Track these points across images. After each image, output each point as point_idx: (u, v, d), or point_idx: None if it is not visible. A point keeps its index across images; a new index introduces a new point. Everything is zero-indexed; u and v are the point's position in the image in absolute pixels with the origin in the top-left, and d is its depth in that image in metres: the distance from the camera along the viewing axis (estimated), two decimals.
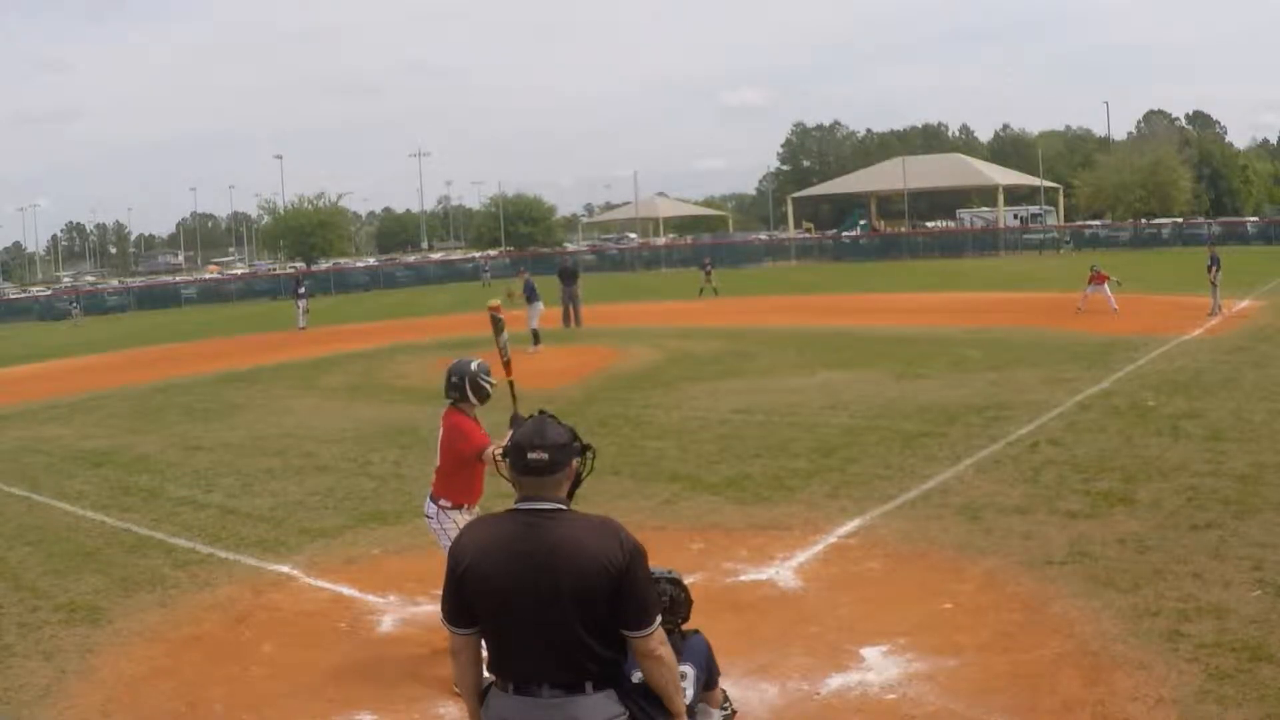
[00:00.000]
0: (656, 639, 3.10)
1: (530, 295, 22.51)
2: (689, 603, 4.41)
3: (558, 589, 2.98)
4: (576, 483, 3.24)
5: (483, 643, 3.21)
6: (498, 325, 6.13)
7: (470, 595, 3.09)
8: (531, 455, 3.09)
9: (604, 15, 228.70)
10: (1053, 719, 5.05)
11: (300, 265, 70.95)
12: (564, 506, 3.12)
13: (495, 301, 6.13)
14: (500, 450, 3.24)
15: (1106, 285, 24.26)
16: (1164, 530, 7.70)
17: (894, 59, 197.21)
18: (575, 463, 3.18)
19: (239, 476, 11.43)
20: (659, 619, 3.12)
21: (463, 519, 5.91)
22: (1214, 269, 22.66)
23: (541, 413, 3.25)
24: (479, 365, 6.02)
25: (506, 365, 6.15)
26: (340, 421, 14.62)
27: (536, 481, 3.10)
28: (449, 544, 5.89)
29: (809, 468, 10.27)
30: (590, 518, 3.14)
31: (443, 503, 5.97)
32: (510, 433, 5.77)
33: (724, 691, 4.56)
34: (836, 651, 5.95)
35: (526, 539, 3.04)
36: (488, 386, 5.99)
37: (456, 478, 5.95)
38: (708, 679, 4.35)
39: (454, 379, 5.98)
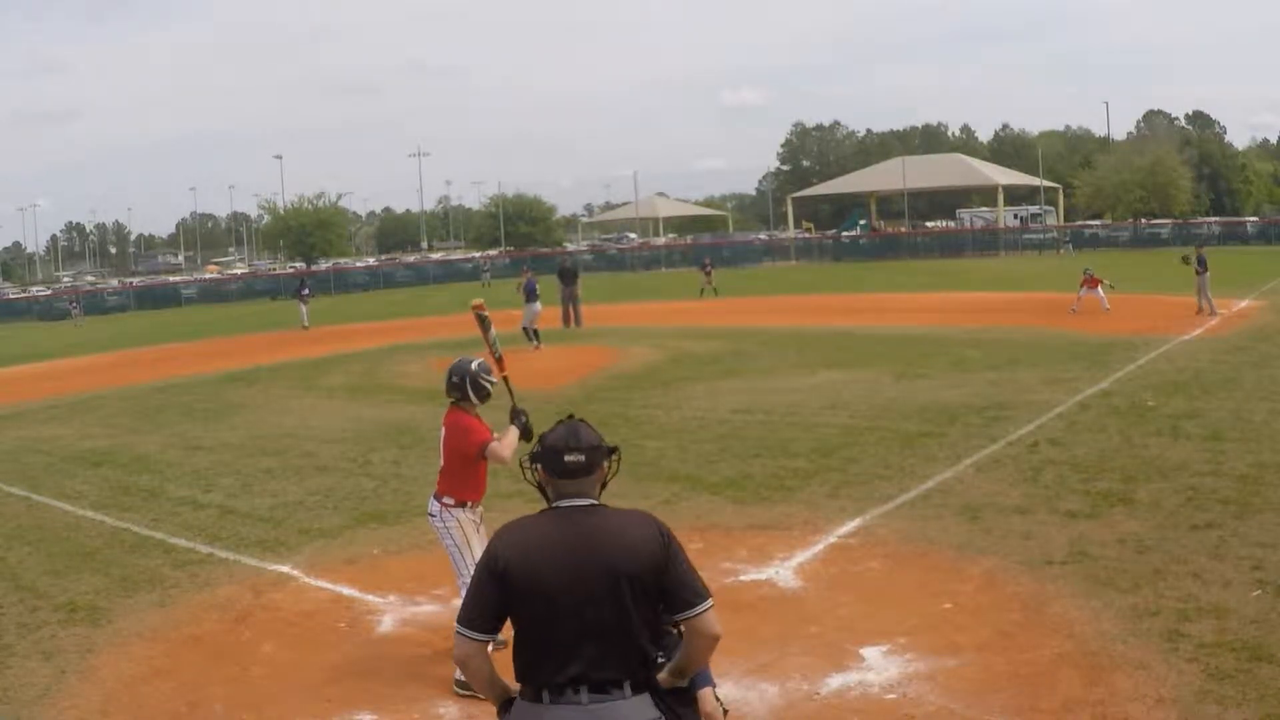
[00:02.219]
0: (713, 616, 3.12)
1: (530, 295, 22.39)
2: None
3: (603, 578, 3.01)
4: (603, 485, 3.31)
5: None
6: (484, 323, 6.14)
7: (512, 596, 3.08)
8: (569, 458, 3.15)
9: (604, 15, 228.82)
10: (1053, 719, 5.05)
11: (300, 265, 70.95)
12: (598, 502, 3.18)
13: (478, 300, 6.17)
14: (528, 455, 3.28)
15: (1100, 288, 24.40)
16: (1164, 530, 7.70)
17: (894, 59, 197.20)
18: (605, 464, 3.25)
19: (239, 476, 11.43)
20: (711, 597, 3.14)
21: (465, 516, 5.94)
22: (1200, 269, 22.68)
23: (571, 416, 3.31)
24: (479, 365, 6.04)
25: (499, 362, 6.17)
26: (340, 421, 14.62)
27: (573, 484, 3.16)
28: (451, 543, 5.91)
29: (809, 468, 10.27)
30: (625, 510, 3.21)
31: (446, 500, 5.97)
32: (510, 428, 5.81)
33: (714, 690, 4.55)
34: (836, 651, 5.95)
35: (568, 533, 3.08)
36: (488, 385, 6.01)
37: (460, 476, 5.96)
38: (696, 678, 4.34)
39: (454, 378, 6.00)
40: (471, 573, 5.80)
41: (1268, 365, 15.21)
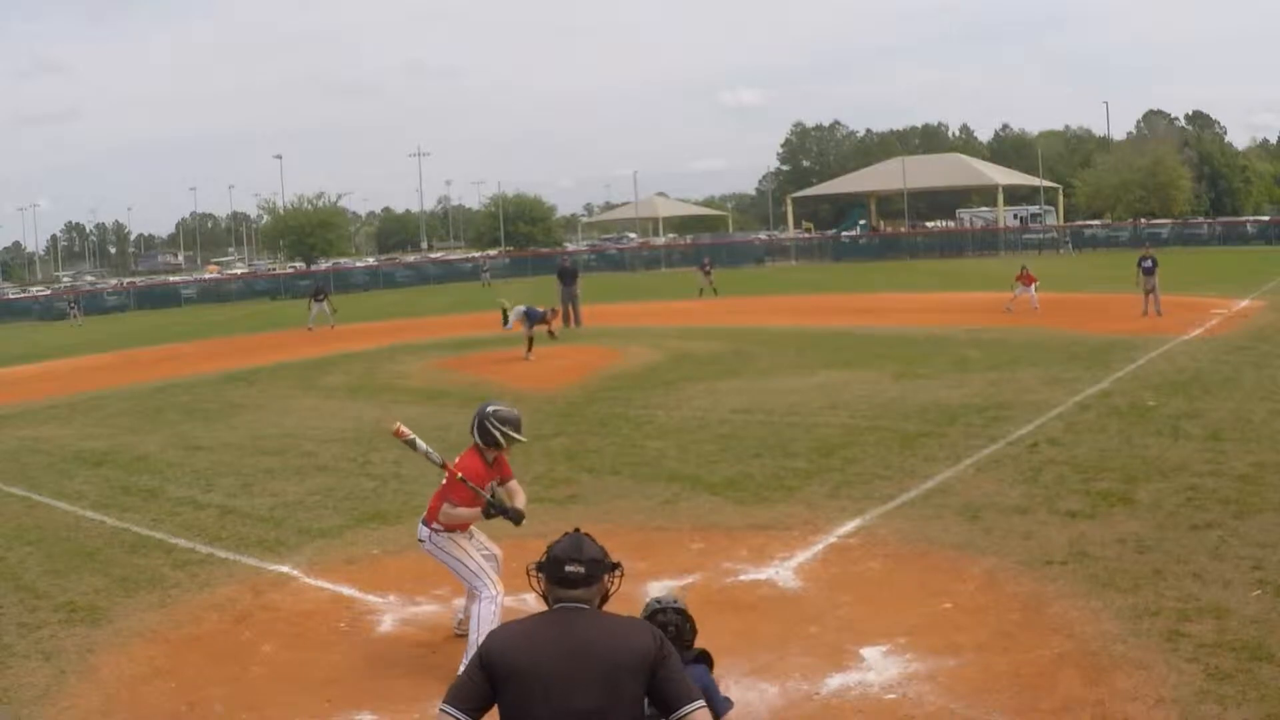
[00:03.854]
0: (706, 714, 3.21)
1: (529, 319, 20.66)
2: (694, 632, 4.49)
3: (593, 670, 3.10)
4: (604, 599, 3.39)
5: None
6: (411, 445, 6.00)
7: (498, 683, 3.16)
8: (569, 569, 3.26)
9: (604, 15, 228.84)
10: (1053, 719, 5.05)
11: (300, 265, 70.94)
12: (594, 608, 3.29)
13: (397, 426, 6.05)
14: (533, 564, 3.39)
15: (1034, 287, 24.97)
16: (1164, 530, 7.71)
17: (894, 59, 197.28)
18: (606, 579, 3.34)
19: (239, 476, 11.43)
20: (702, 699, 3.23)
21: (453, 538, 5.97)
22: (1149, 270, 22.76)
23: (577, 530, 3.41)
24: (494, 410, 5.99)
25: (444, 466, 6.00)
26: (340, 421, 14.61)
27: (572, 593, 3.26)
28: (447, 556, 5.93)
29: (809, 468, 10.26)
30: (621, 615, 3.35)
31: (435, 526, 6.01)
32: (470, 509, 5.80)
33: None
34: (836, 651, 5.95)
35: (564, 633, 3.19)
36: (496, 434, 5.95)
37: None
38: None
39: (475, 418, 6.03)
40: (477, 570, 5.87)
41: (1268, 365, 15.21)
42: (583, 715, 3.10)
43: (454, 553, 6.00)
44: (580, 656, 3.13)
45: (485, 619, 5.85)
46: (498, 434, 5.96)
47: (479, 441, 6.01)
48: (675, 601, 4.54)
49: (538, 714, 3.12)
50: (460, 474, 5.90)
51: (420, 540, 6.12)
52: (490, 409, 6.00)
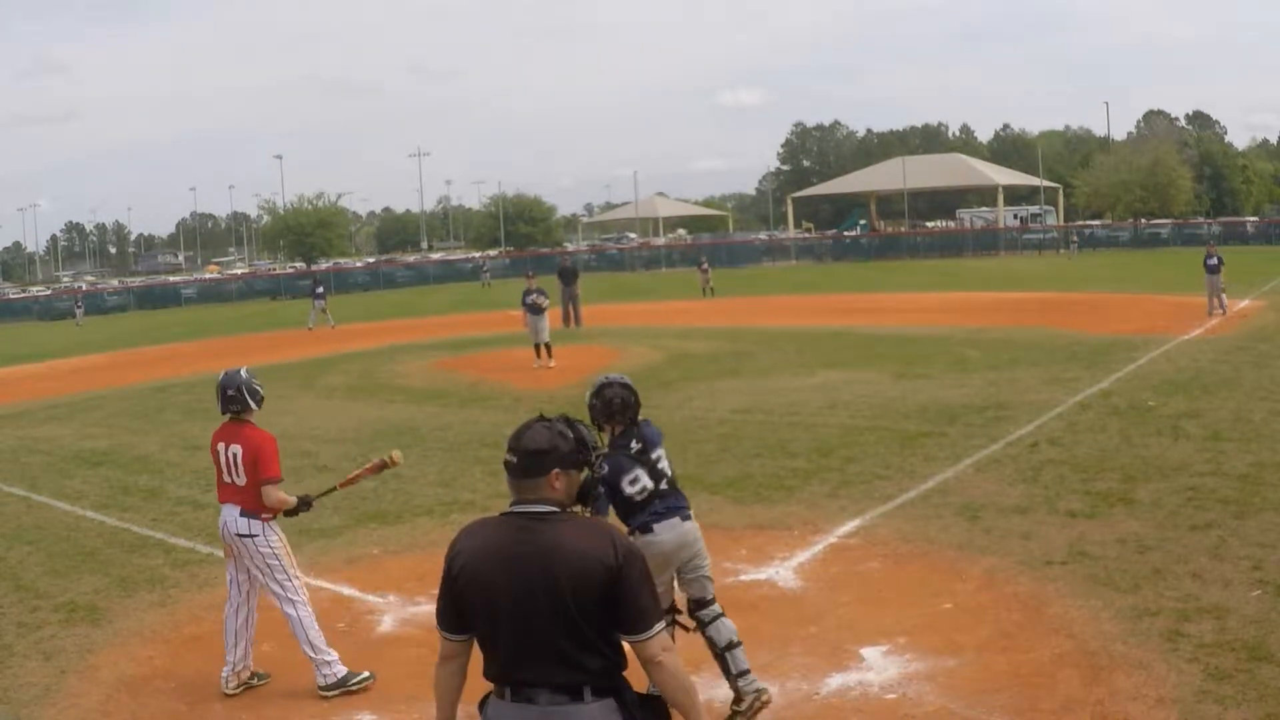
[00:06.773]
0: (657, 644, 2.98)
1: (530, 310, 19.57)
2: (638, 405, 5.05)
3: (553, 588, 2.92)
4: (583, 493, 3.19)
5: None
6: (381, 470, 6.28)
7: (465, 598, 3.03)
8: (506, 455, 3.07)
9: (604, 16, 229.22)
10: (1053, 719, 5.05)
11: (300, 265, 70.96)
12: (557, 509, 3.04)
13: (396, 454, 6.28)
14: None
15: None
16: (1164, 530, 7.70)
17: (894, 59, 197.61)
18: (557, 472, 3.03)
19: None
20: (660, 625, 3.01)
21: (280, 531, 6.01)
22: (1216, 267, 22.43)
23: (541, 417, 3.15)
24: (248, 371, 6.06)
25: (350, 481, 6.51)
26: (340, 421, 14.61)
27: (517, 483, 3.06)
28: (276, 562, 5.87)
29: (809, 468, 10.26)
30: (586, 520, 3.13)
31: (265, 516, 5.93)
32: (294, 498, 5.97)
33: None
34: (836, 651, 5.95)
35: (520, 540, 2.99)
36: (261, 390, 6.03)
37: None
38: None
39: (230, 391, 5.94)
40: (294, 572, 5.85)
41: (1268, 365, 15.20)
42: (548, 640, 2.92)
43: (282, 555, 5.95)
44: (535, 581, 2.91)
45: (308, 621, 5.89)
46: (260, 389, 6.03)
47: (253, 408, 5.99)
48: (621, 377, 5.01)
49: (503, 636, 2.96)
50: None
51: (249, 535, 5.93)
52: (244, 374, 6.00)
